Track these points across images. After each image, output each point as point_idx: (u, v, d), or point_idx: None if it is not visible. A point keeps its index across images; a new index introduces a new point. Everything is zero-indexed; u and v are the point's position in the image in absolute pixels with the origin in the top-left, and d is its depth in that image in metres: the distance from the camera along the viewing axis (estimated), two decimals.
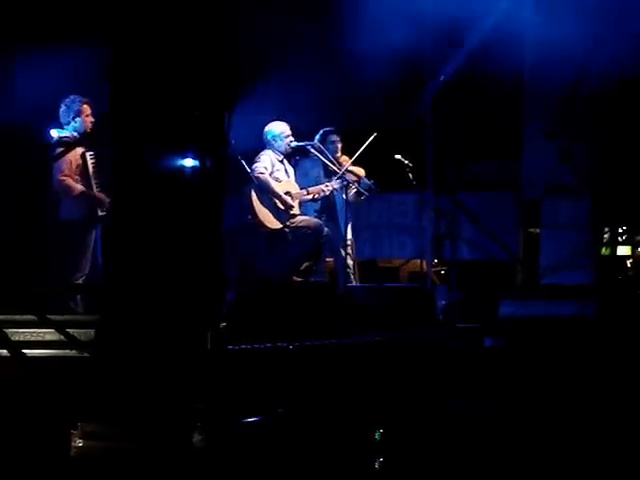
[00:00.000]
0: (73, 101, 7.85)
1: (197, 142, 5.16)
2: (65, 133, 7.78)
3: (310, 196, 9.19)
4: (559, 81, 9.95)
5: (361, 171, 9.46)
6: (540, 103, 10.21)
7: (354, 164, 9.37)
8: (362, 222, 9.93)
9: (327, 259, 9.47)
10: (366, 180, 9.41)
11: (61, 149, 7.68)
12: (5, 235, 7.83)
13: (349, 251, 9.34)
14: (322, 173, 9.38)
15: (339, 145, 9.50)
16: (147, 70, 5.14)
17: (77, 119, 7.81)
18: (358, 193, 9.34)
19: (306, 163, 9.47)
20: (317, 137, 9.42)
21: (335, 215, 9.34)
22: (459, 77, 10.35)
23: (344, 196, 9.13)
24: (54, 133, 7.78)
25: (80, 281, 7.73)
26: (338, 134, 9.55)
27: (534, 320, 7.71)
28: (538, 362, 6.74)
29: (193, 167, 5.15)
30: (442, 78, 10.30)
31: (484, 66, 9.81)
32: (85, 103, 7.84)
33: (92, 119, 7.85)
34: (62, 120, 7.83)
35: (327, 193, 9.20)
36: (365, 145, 9.17)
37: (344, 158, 9.47)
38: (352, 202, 9.35)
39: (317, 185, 9.24)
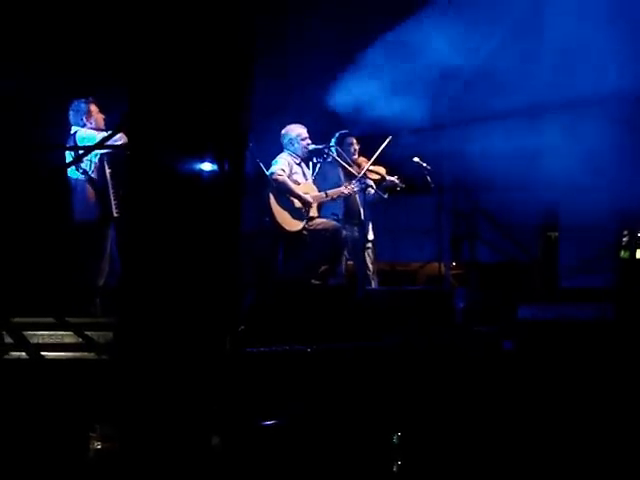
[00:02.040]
0: (79, 104, 7.89)
1: (215, 146, 5.16)
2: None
3: (329, 198, 9.19)
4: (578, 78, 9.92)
5: (382, 170, 9.50)
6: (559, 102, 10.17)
7: (374, 164, 9.39)
8: (380, 225, 9.91)
9: (348, 262, 9.47)
10: (389, 179, 9.45)
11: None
12: (23, 238, 7.85)
13: (370, 254, 9.36)
14: (341, 176, 9.38)
15: (356, 147, 9.54)
16: (165, 72, 5.14)
17: (91, 120, 7.85)
18: (382, 190, 9.38)
19: (325, 166, 9.47)
20: (333, 140, 9.43)
21: (357, 217, 9.34)
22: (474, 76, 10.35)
23: (364, 198, 9.17)
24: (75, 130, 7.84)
25: (100, 284, 7.75)
26: (353, 136, 9.58)
27: (553, 323, 7.68)
28: (557, 365, 6.71)
29: (211, 171, 5.15)
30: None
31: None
32: (91, 103, 7.88)
33: (103, 116, 7.90)
34: (74, 125, 7.87)
35: (346, 195, 9.20)
36: (381, 148, 9.21)
37: (362, 159, 9.50)
38: (376, 201, 9.41)
39: (336, 188, 9.24)
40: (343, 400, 5.89)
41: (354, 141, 9.55)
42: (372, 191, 9.31)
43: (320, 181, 9.39)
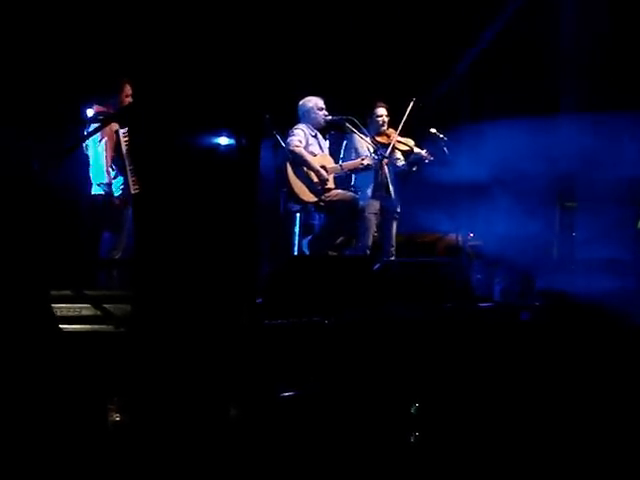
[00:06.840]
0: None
1: (232, 120, 5.15)
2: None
3: (344, 171, 9.17)
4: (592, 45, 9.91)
5: (410, 142, 9.45)
6: (576, 70, 10.16)
7: (402, 135, 9.36)
8: (399, 197, 9.89)
9: (375, 232, 9.41)
10: (417, 151, 9.41)
11: (96, 125, 7.69)
12: (41, 211, 7.85)
13: (395, 225, 9.35)
14: (370, 146, 9.33)
15: (385, 119, 9.46)
16: (180, 46, 5.13)
17: (115, 96, 7.82)
18: (409, 164, 9.37)
19: (353, 137, 9.38)
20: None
21: (385, 189, 9.29)
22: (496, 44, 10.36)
23: (393, 170, 9.18)
24: (90, 112, 7.80)
25: (118, 256, 7.76)
26: (384, 106, 9.52)
27: (571, 294, 7.67)
28: (574, 336, 6.70)
29: (228, 145, 5.15)
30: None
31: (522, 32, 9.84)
32: (126, 82, 7.83)
33: (131, 100, 7.86)
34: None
35: (361, 168, 9.17)
36: (407, 113, 9.20)
37: (390, 131, 9.44)
38: (398, 173, 9.39)
39: (354, 160, 9.22)
40: (361, 371, 5.90)
41: (384, 112, 9.49)
42: (400, 162, 9.31)
43: (351, 151, 9.35)
